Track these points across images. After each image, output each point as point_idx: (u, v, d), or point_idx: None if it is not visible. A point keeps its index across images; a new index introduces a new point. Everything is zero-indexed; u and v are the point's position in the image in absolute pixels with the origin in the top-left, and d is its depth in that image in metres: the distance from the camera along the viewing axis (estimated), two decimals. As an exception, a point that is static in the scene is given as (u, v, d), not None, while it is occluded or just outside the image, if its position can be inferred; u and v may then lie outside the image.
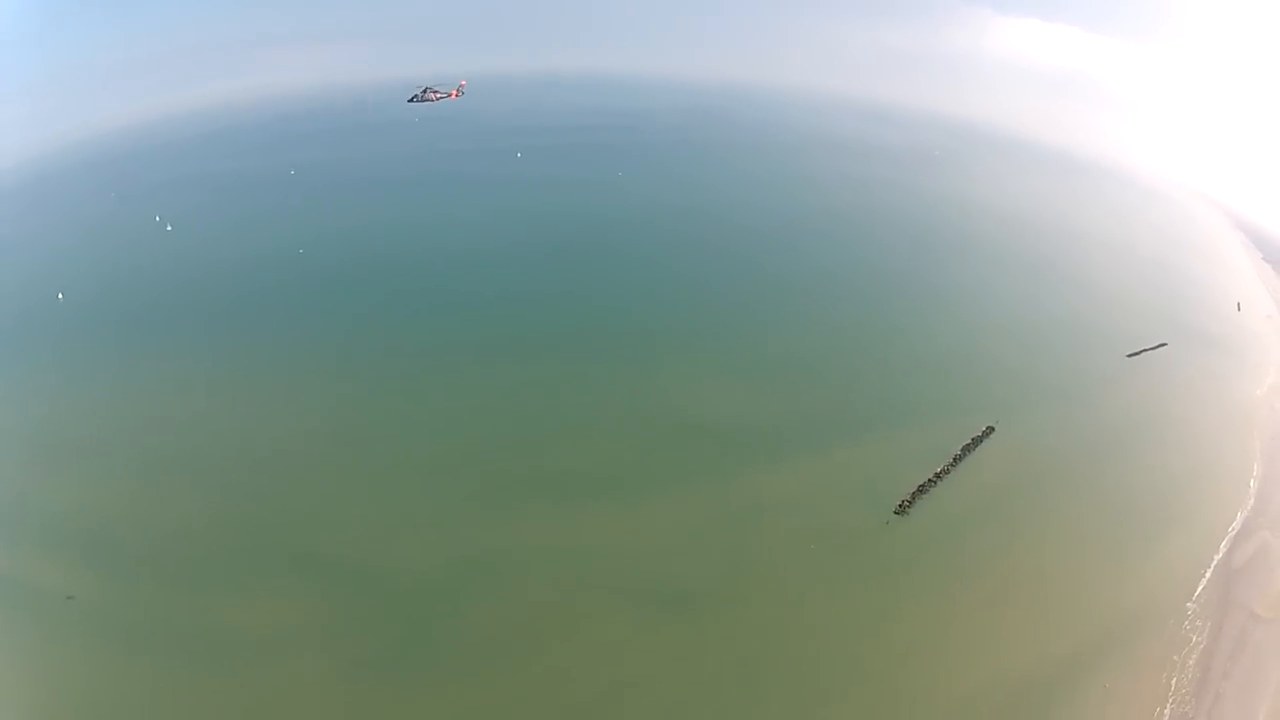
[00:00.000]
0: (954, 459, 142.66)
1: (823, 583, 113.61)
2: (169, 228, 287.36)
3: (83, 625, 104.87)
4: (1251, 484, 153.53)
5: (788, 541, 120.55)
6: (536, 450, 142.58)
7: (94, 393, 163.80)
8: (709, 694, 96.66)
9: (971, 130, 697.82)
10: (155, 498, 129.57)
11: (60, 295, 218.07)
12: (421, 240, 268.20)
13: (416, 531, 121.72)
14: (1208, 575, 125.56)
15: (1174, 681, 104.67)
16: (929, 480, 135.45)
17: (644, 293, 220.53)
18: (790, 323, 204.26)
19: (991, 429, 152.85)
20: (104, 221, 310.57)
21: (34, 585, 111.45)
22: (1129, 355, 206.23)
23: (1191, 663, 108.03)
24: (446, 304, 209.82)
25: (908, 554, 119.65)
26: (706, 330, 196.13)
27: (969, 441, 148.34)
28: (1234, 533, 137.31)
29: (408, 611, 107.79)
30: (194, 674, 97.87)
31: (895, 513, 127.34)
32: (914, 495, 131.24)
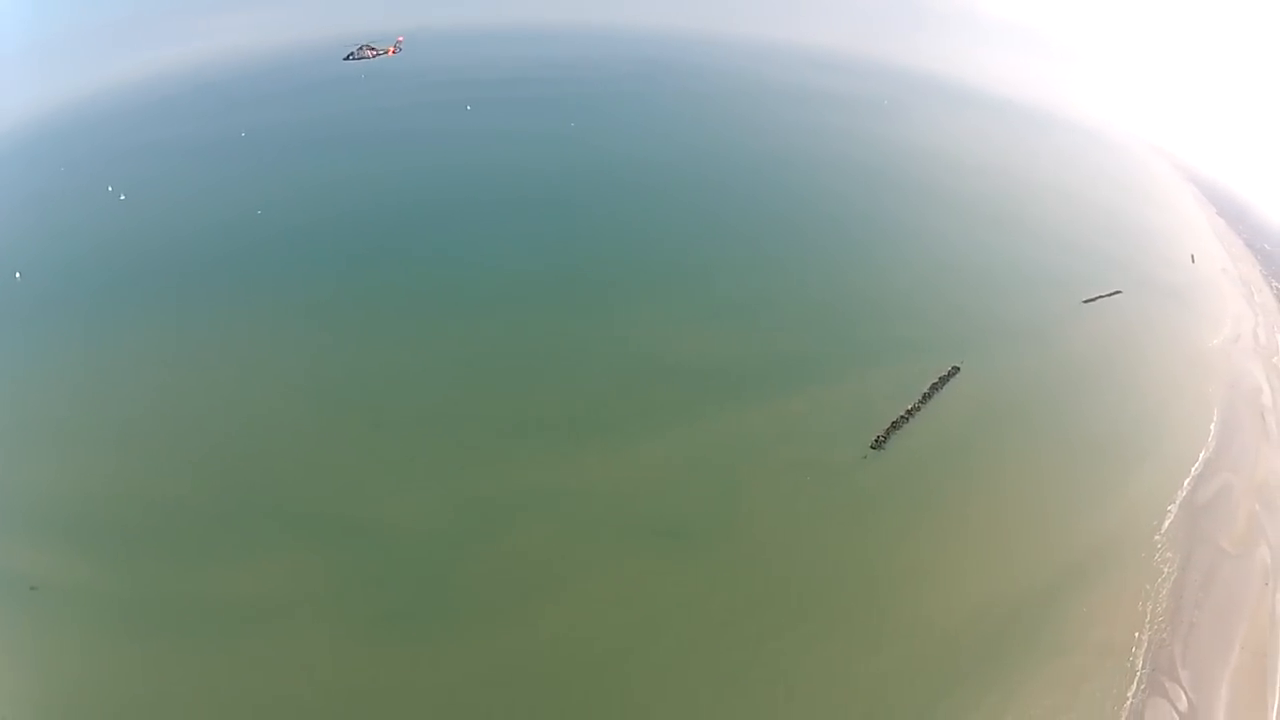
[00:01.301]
0: (923, 397, 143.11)
1: (808, 514, 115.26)
2: (122, 197, 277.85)
3: (75, 610, 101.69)
4: (1211, 428, 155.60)
5: (773, 476, 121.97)
6: (518, 400, 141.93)
7: (63, 371, 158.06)
8: (716, 623, 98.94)
9: (921, 79, 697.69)
10: (137, 473, 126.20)
11: (18, 274, 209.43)
12: (380, 196, 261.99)
13: (410, 485, 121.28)
14: (1174, 511, 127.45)
15: (1148, 609, 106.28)
16: (901, 417, 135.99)
17: (607, 241, 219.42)
18: (755, 268, 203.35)
19: (957, 369, 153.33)
20: (55, 196, 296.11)
21: (18, 573, 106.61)
22: (1085, 301, 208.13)
23: (1164, 593, 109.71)
24: (411, 259, 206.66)
25: (886, 487, 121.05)
26: (673, 277, 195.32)
27: (936, 380, 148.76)
28: (1196, 473, 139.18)
29: (413, 565, 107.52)
30: (201, 648, 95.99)
31: (872, 448, 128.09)
32: (888, 431, 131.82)
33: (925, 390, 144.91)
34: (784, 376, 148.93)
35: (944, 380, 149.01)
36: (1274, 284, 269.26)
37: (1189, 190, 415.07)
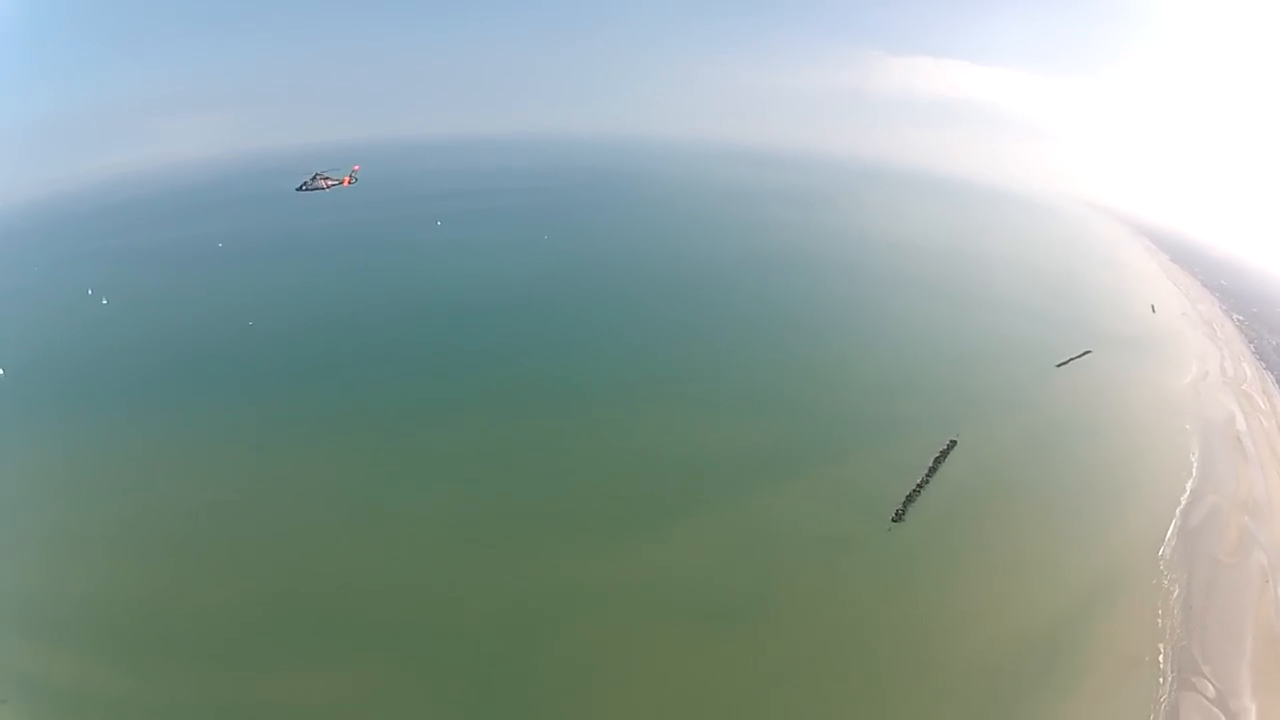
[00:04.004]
0: (929, 470, 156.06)
1: (843, 585, 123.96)
2: (104, 301, 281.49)
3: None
4: (1193, 459, 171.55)
5: (804, 553, 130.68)
6: (547, 501, 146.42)
7: (78, 474, 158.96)
8: (767, 692, 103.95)
9: (869, 167, 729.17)
10: (172, 581, 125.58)
11: (0, 371, 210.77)
12: (372, 309, 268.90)
13: (457, 585, 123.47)
14: (1171, 536, 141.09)
15: (1163, 621, 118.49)
16: (914, 490, 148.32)
17: (608, 345, 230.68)
18: (748, 362, 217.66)
19: (954, 442, 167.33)
20: (34, 295, 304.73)
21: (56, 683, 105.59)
22: (1058, 365, 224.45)
23: (1175, 606, 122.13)
24: (415, 367, 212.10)
25: (911, 553, 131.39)
26: (675, 376, 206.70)
27: (938, 454, 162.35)
28: (1186, 500, 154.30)
29: (468, 666, 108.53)
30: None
31: (893, 520, 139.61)
32: (905, 504, 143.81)
33: (929, 464, 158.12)
34: (797, 460, 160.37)
35: (945, 454, 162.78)
36: (1235, 316, 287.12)
37: (1139, 243, 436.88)
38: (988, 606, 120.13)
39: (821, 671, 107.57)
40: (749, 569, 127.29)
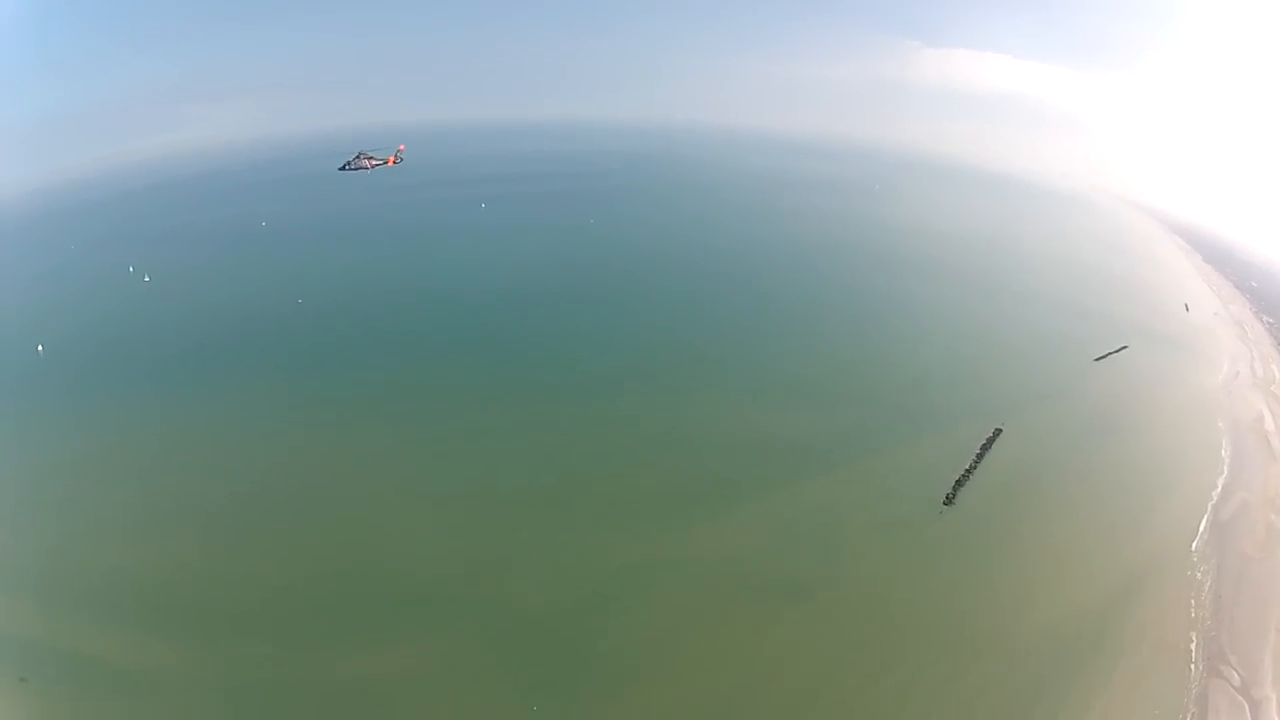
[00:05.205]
0: (976, 457, 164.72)
1: (900, 566, 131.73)
2: (147, 279, 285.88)
3: (200, 696, 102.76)
4: (1224, 456, 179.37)
5: (863, 534, 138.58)
6: (614, 480, 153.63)
7: (124, 449, 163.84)
8: (838, 668, 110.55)
9: (907, 158, 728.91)
10: (238, 557, 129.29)
11: (40, 348, 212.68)
12: (422, 290, 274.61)
13: (528, 563, 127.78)
14: (1202, 529, 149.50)
15: (1194, 611, 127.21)
16: (963, 475, 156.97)
17: (663, 331, 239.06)
18: (799, 350, 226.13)
19: (1000, 430, 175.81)
20: (72, 274, 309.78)
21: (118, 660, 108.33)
22: (1096, 359, 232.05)
23: (1205, 596, 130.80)
24: (472, 348, 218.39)
25: (962, 537, 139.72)
26: (731, 362, 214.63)
27: (984, 442, 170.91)
28: (1217, 496, 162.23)
29: (544, 639, 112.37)
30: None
31: (944, 504, 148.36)
32: (954, 489, 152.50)
33: (977, 451, 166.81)
34: (851, 445, 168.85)
35: (991, 441, 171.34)
36: (1265, 319, 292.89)
37: (1174, 241, 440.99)
38: (1034, 589, 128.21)
39: (885, 650, 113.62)
40: (811, 549, 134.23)
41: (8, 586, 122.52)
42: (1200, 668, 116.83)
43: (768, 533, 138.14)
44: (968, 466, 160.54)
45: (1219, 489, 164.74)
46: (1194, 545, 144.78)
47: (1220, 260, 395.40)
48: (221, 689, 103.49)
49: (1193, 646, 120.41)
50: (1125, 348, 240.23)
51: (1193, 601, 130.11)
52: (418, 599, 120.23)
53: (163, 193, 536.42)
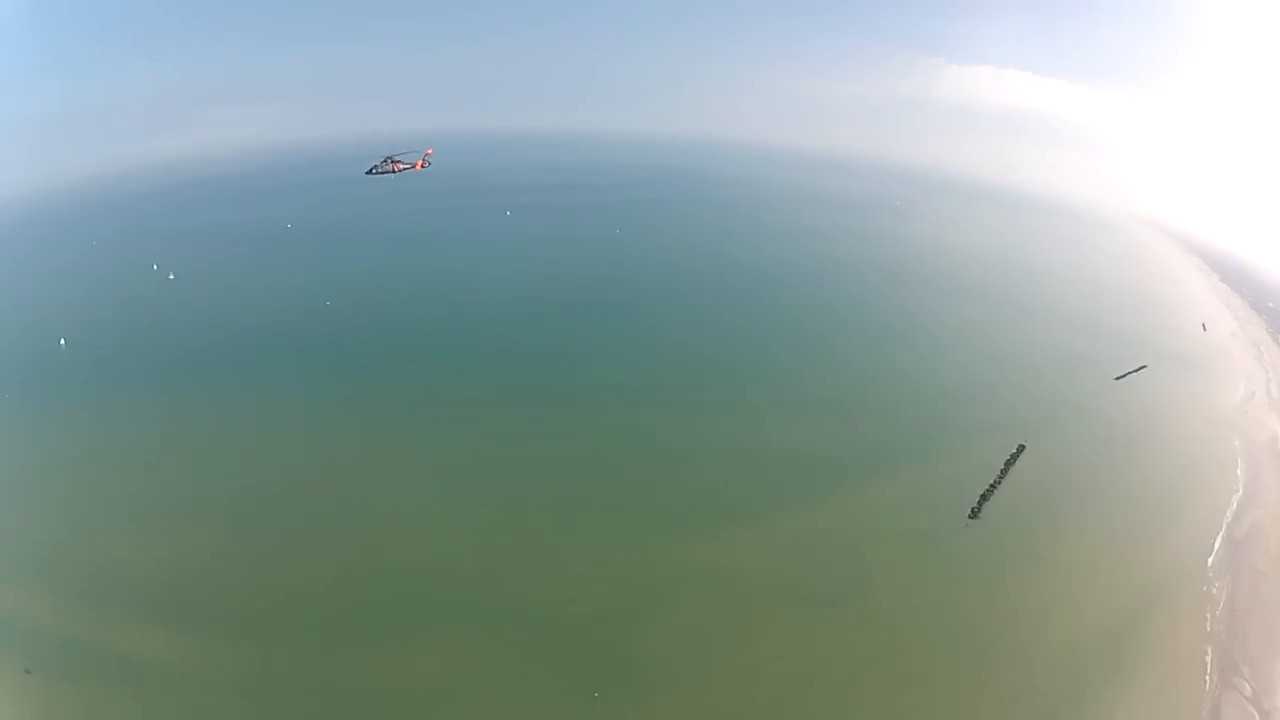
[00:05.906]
0: (1000, 472, 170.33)
1: (927, 577, 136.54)
2: (171, 276, 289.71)
3: (209, 692, 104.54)
4: (1239, 474, 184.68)
5: (891, 545, 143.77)
6: (646, 488, 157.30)
7: (155, 447, 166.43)
8: (865, 680, 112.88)
9: (929, 175, 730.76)
10: (253, 555, 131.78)
11: (62, 341, 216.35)
12: (449, 296, 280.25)
13: (562, 570, 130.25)
14: (1217, 545, 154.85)
15: (1208, 625, 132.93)
16: (987, 490, 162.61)
17: (691, 343, 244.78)
18: (825, 365, 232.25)
19: (1023, 446, 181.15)
20: (92, 270, 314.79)
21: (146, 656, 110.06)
22: (1116, 378, 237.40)
23: (1219, 611, 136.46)
24: (503, 355, 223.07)
25: (987, 550, 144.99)
26: (759, 376, 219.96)
27: (1008, 458, 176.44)
28: (1232, 513, 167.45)
29: (578, 644, 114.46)
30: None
31: (969, 517, 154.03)
32: (979, 503, 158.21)
33: (1001, 466, 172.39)
34: (878, 459, 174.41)
35: (1014, 457, 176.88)
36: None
37: (1191, 261, 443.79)
38: (1057, 601, 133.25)
39: (914, 662, 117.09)
40: (842, 559, 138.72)
41: (12, 578, 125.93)
42: (1214, 680, 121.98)
43: (797, 544, 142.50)
44: (992, 481, 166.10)
45: (1234, 507, 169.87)
46: (1209, 561, 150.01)
47: (1237, 281, 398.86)
48: (229, 685, 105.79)
49: (1207, 659, 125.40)
50: (1145, 367, 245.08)
51: (1208, 616, 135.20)
52: (443, 603, 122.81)
53: (185, 193, 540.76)
